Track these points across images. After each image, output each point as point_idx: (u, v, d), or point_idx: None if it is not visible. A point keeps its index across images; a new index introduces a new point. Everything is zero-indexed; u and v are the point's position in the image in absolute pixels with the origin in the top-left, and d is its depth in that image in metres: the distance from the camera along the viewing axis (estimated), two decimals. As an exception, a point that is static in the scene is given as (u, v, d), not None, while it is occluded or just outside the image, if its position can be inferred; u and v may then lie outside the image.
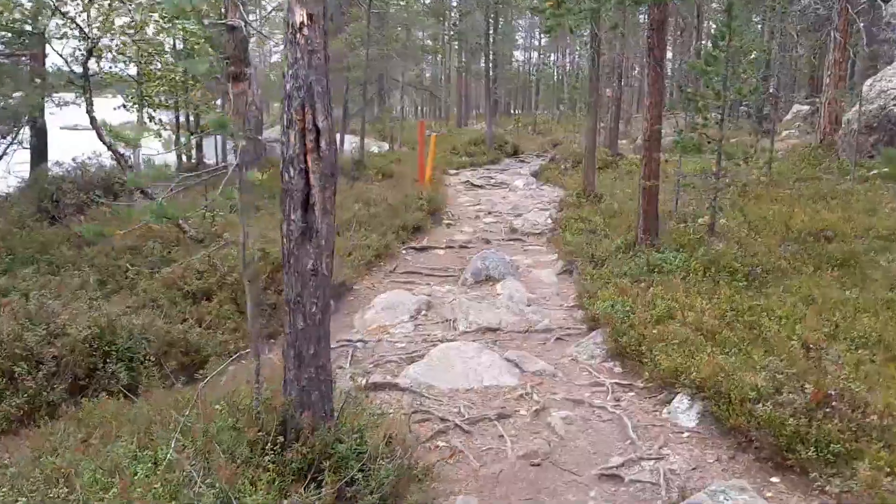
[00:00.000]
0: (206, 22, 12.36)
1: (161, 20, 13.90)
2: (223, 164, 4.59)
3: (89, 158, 15.71)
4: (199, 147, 22.56)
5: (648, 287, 9.14)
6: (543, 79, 51.22)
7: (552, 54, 58.32)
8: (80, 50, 13.37)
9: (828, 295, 8.66)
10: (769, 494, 5.20)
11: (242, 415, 4.66)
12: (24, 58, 16.49)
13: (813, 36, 25.49)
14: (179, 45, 18.45)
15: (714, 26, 18.64)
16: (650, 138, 11.22)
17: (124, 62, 15.06)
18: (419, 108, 56.26)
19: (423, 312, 9.68)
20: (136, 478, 4.15)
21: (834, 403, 5.55)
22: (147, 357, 7.05)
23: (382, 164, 21.14)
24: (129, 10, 13.68)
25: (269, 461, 4.28)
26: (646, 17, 12.17)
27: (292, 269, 4.43)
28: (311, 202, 4.35)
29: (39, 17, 13.64)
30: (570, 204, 16.57)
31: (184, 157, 22.36)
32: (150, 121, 17.23)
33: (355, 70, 21.82)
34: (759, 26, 26.80)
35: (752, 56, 16.18)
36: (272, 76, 40.40)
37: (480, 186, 21.43)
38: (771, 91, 22.51)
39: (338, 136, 23.74)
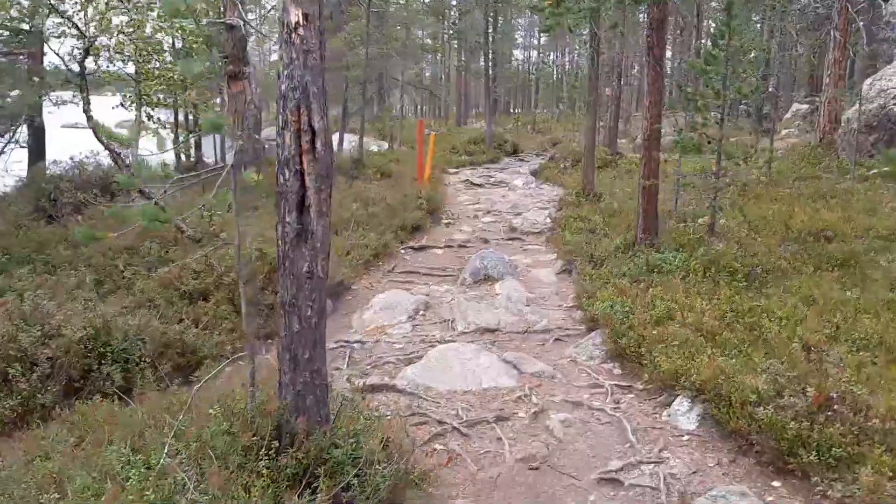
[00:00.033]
0: (203, 21, 12.32)
1: (159, 19, 13.84)
2: (220, 164, 4.54)
3: (87, 157, 15.67)
4: (198, 146, 22.53)
5: (648, 287, 9.08)
6: (543, 77, 51.17)
7: (551, 53, 58.28)
8: (77, 49, 13.31)
9: (828, 295, 8.60)
10: (770, 499, 5.14)
11: (237, 419, 4.59)
12: (21, 56, 16.43)
13: (812, 35, 25.43)
14: (179, 44, 18.42)
15: (714, 25, 18.57)
16: (650, 137, 11.17)
17: (122, 61, 15.02)
18: (419, 106, 56.28)
19: (422, 313, 9.62)
20: (128, 483, 4.09)
21: (836, 407, 5.50)
22: (142, 358, 6.99)
23: (381, 163, 21.10)
24: (127, 9, 13.63)
25: (263, 466, 4.21)
26: (645, 16, 12.11)
27: (287, 271, 4.37)
28: (306, 204, 4.28)
29: (36, 16, 13.58)
30: (570, 203, 16.52)
31: (182, 156, 22.31)
32: (149, 119, 17.19)
33: (355, 69, 21.77)
34: (759, 25, 26.71)
35: (752, 55, 16.12)
36: (271, 75, 40.34)
37: (480, 185, 21.39)
38: (770, 90, 22.44)
39: (337, 135, 23.72)
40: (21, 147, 17.02)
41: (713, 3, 31.73)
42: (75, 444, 4.92)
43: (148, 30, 14.71)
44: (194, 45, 14.48)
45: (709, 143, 11.31)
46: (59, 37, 14.32)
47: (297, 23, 4.15)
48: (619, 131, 26.83)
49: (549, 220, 15.35)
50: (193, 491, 3.89)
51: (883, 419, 5.38)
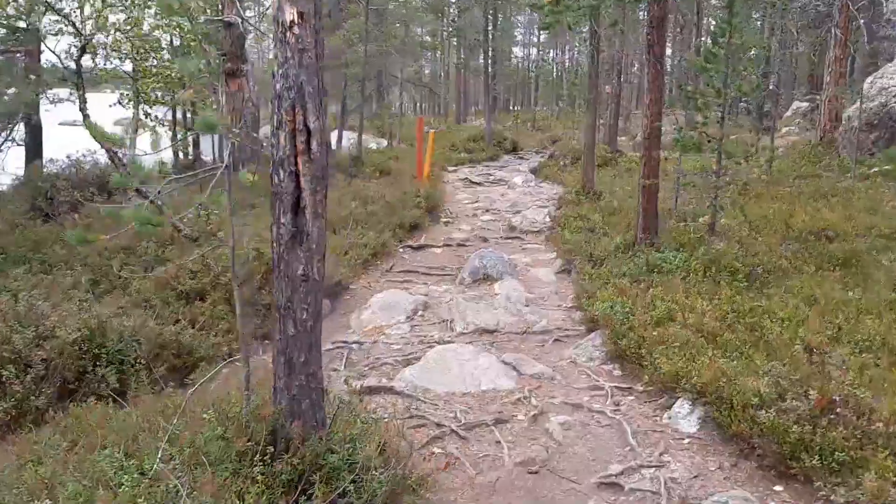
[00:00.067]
0: (199, 19, 12.22)
1: (155, 17, 13.76)
2: (216, 163, 4.46)
3: (84, 156, 15.56)
4: (196, 144, 22.43)
5: (648, 288, 9.02)
6: (542, 75, 51.12)
7: (551, 50, 58.19)
8: (74, 46, 13.23)
9: (830, 296, 8.53)
10: (772, 504, 5.09)
11: (232, 423, 4.53)
12: (18, 54, 16.35)
13: (813, 33, 25.36)
14: (177, 42, 18.34)
15: (714, 23, 18.49)
16: (650, 136, 11.09)
17: (119, 58, 14.94)
18: (418, 104, 56.19)
19: (420, 313, 9.55)
20: (121, 490, 4.03)
21: (838, 410, 5.43)
22: (138, 360, 6.91)
23: (380, 161, 21.01)
24: (124, 7, 13.55)
25: (258, 472, 4.15)
26: (645, 13, 12.03)
27: (282, 274, 4.30)
28: (301, 205, 4.21)
29: (32, 13, 13.50)
30: (569, 201, 16.44)
31: (180, 154, 22.22)
32: (146, 117, 17.13)
33: (353, 66, 21.68)
34: (759, 23, 26.63)
35: (752, 53, 16.04)
36: (270, 72, 40.21)
37: (479, 183, 21.31)
38: (771, 88, 22.36)
39: (336, 133, 23.65)
40: (18, 145, 16.94)
41: (713, 1, 31.63)
42: (68, 449, 4.84)
43: (145, 27, 14.64)
44: (192, 43, 14.38)
45: (709, 141, 11.23)
46: (55, 34, 14.25)
47: (292, 21, 4.07)
48: (619, 129, 26.75)
49: (548, 219, 15.28)
50: (186, 498, 3.83)
51: (886, 423, 5.31)
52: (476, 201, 18.06)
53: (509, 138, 30.74)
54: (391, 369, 7.62)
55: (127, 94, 16.43)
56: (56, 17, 13.58)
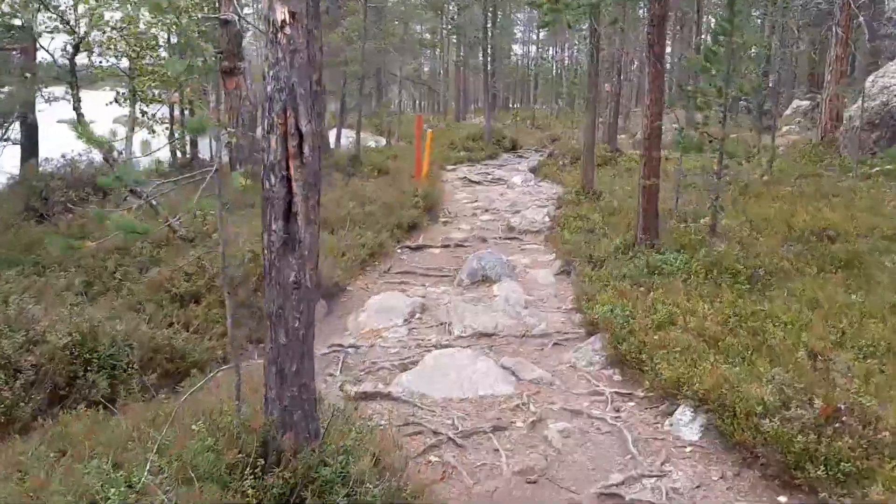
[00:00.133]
0: (188, 17, 12.09)
1: (148, 14, 13.64)
2: (210, 165, 4.35)
3: (79, 155, 15.42)
4: (194, 143, 22.28)
5: (649, 291, 8.90)
6: (542, 73, 50.98)
7: (551, 48, 58.00)
8: (70, 45, 13.11)
9: (833, 299, 8.41)
10: (776, 515, 4.98)
11: (222, 434, 4.41)
12: (14, 52, 16.22)
13: (814, 31, 25.26)
14: (174, 40, 18.21)
15: (714, 21, 18.37)
16: (650, 136, 10.96)
17: (115, 56, 14.81)
18: (417, 102, 56.06)
19: (418, 315, 9.43)
20: (107, 503, 3.91)
21: (844, 419, 5.31)
22: (130, 365, 6.78)
23: (379, 160, 20.88)
24: (120, 4, 13.42)
25: (248, 486, 4.03)
26: (646, 12, 11.90)
27: (274, 281, 4.17)
28: (293, 211, 4.08)
29: (26, 10, 13.37)
30: (569, 201, 16.31)
31: (178, 153, 22.07)
32: (143, 116, 17.00)
33: (352, 64, 21.55)
34: (760, 21, 26.51)
35: (752, 51, 15.94)
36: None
37: (478, 182, 21.19)
38: (771, 86, 22.25)
39: (334, 131, 23.55)
40: (14, 144, 16.81)
41: (714, -1, 31.52)
42: (55, 459, 4.72)
43: (141, 25, 14.52)
44: (185, 41, 14.26)
45: (710, 141, 11.12)
46: (51, 32, 14.13)
47: (284, 21, 3.95)
48: (619, 127, 26.62)
49: (547, 219, 15.16)
50: (174, 514, 3.71)
51: (893, 432, 5.20)
52: (475, 201, 17.93)
53: (508, 137, 30.59)
54: (388, 374, 7.50)
55: (123, 93, 16.31)
56: (51, 15, 13.47)
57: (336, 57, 21.40)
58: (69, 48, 12.94)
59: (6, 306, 7.13)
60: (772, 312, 7.93)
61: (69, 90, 12.63)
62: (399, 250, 12.93)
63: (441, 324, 9.13)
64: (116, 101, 16.38)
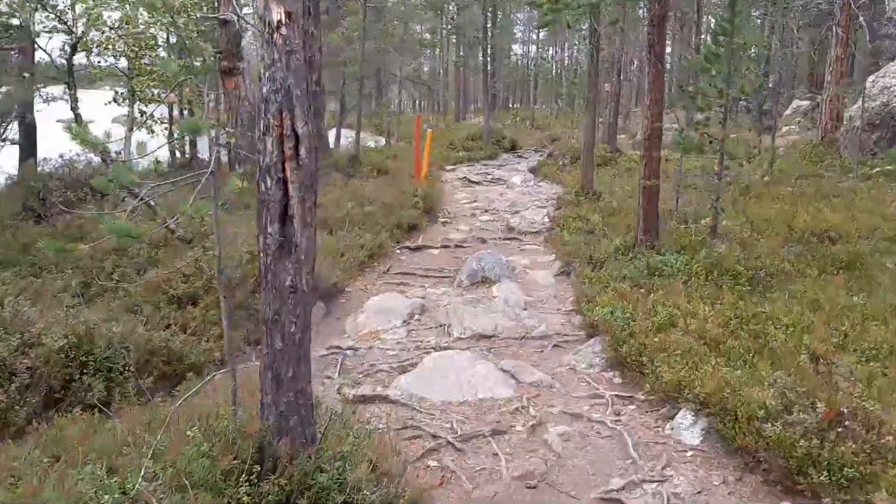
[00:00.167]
0: (193, 16, 12.04)
1: (146, 14, 13.60)
2: (208, 165, 4.28)
3: (77, 155, 15.36)
4: (193, 143, 22.22)
5: (649, 292, 8.83)
6: (542, 73, 50.91)
7: (551, 48, 57.93)
8: (67, 44, 13.06)
9: (834, 300, 8.36)
10: (779, 521, 4.92)
11: (218, 439, 4.35)
12: (12, 52, 16.17)
13: (814, 31, 25.19)
14: (173, 39, 18.15)
15: (714, 21, 18.31)
16: (650, 136, 10.91)
17: (114, 56, 14.78)
18: (417, 102, 55.99)
19: (417, 317, 9.37)
20: (101, 511, 3.85)
21: (847, 423, 5.25)
22: (126, 367, 6.72)
23: (378, 160, 20.80)
24: (116, 5, 13.38)
25: (243, 493, 3.97)
26: (646, 12, 11.84)
27: (270, 285, 4.12)
28: (289, 214, 4.03)
29: (24, 9, 13.32)
30: (569, 202, 16.25)
31: (177, 153, 22.02)
32: (142, 115, 16.96)
33: (352, 64, 21.50)
34: (760, 21, 26.46)
35: (752, 52, 15.88)
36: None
37: (477, 183, 21.13)
38: (772, 86, 22.20)
39: (334, 131, 23.50)
40: (12, 144, 16.75)
41: (714, -1, 31.46)
42: (50, 465, 4.66)
43: (140, 25, 14.48)
44: (187, 41, 14.22)
45: (711, 142, 11.06)
46: (49, 32, 14.09)
47: (280, 21, 3.89)
48: (619, 128, 26.58)
49: (547, 220, 15.10)
50: (168, 522, 3.65)
51: (896, 437, 5.14)
52: (474, 201, 17.87)
53: (508, 137, 30.52)
54: (386, 376, 7.44)
55: (122, 93, 16.27)
56: (48, 14, 13.42)
57: (336, 57, 21.36)
58: (67, 48, 12.89)
59: (1, 308, 7.06)
60: (773, 314, 7.87)
61: (67, 90, 12.58)
62: (398, 251, 12.87)
63: (440, 325, 9.07)
64: (115, 100, 16.34)
